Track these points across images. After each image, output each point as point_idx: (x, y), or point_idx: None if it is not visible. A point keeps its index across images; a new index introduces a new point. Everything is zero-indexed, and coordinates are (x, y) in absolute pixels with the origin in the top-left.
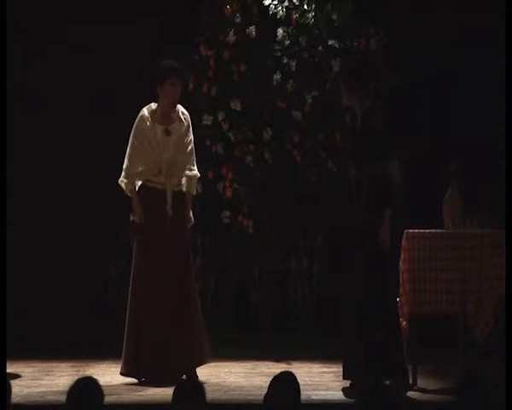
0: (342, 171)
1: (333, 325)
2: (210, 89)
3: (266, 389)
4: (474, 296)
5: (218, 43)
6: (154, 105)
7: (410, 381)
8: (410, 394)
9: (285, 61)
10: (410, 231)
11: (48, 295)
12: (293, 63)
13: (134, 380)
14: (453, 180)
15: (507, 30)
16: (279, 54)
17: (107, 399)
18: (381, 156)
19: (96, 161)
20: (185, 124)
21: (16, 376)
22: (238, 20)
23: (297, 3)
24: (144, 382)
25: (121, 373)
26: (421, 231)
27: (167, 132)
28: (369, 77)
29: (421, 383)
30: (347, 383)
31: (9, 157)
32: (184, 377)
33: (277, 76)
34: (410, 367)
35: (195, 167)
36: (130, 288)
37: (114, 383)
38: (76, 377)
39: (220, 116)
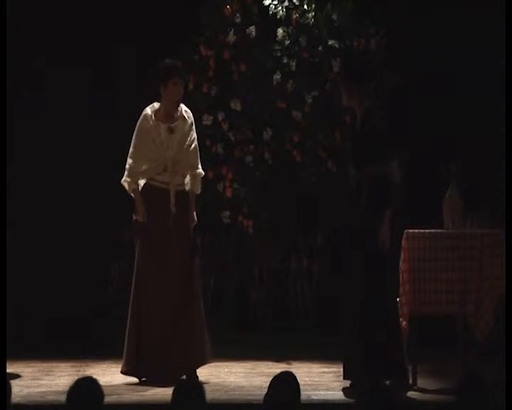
0: (342, 171)
1: (333, 325)
2: (210, 89)
3: (266, 389)
4: (474, 296)
5: (218, 43)
6: (157, 104)
7: (410, 381)
8: (410, 394)
9: (285, 61)
10: (410, 231)
11: (48, 295)
12: (293, 63)
13: (134, 380)
14: (453, 180)
15: (507, 30)
16: (279, 54)
17: (107, 399)
18: (380, 156)
19: (95, 161)
20: (189, 122)
21: (16, 376)
22: (238, 20)
23: (297, 3)
24: (145, 382)
25: (122, 372)
26: (421, 231)
27: (171, 131)
28: (368, 77)
29: (421, 383)
30: (347, 383)
31: (9, 157)
32: (184, 377)
33: (277, 76)
34: (410, 367)
35: (200, 166)
36: (132, 287)
37: (114, 383)
38: (76, 377)
39: (220, 116)
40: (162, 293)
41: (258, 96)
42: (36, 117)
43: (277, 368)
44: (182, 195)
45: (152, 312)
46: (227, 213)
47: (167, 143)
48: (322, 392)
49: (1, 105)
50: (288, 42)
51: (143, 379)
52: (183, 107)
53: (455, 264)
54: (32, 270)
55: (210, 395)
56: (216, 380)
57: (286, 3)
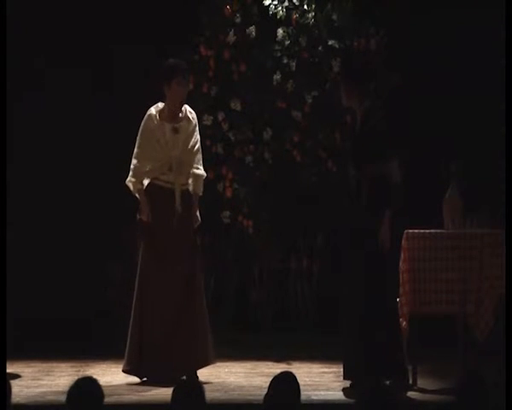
0: (342, 171)
1: (333, 325)
2: (210, 89)
3: (266, 389)
4: (474, 296)
5: (218, 43)
6: (161, 104)
7: (410, 381)
8: (410, 394)
9: (285, 61)
10: (410, 231)
11: (48, 295)
12: (293, 63)
13: (134, 380)
14: (453, 180)
15: (507, 30)
16: (279, 54)
17: (108, 399)
18: (380, 156)
19: (95, 161)
20: (193, 123)
21: (16, 376)
22: (238, 20)
23: (297, 3)
24: (145, 381)
25: (124, 371)
26: (421, 231)
27: (176, 131)
28: (368, 77)
29: (421, 383)
30: (347, 384)
31: (9, 157)
32: (184, 377)
33: (277, 76)
34: (410, 367)
35: (202, 167)
36: (135, 286)
37: (115, 383)
38: (76, 377)
39: (220, 116)
40: (165, 293)
41: (258, 96)
42: (36, 117)
43: (277, 368)
44: (186, 194)
45: (155, 312)
46: (227, 213)
47: (172, 142)
48: (322, 392)
49: (1, 105)
50: (287, 42)
51: (144, 379)
52: (187, 108)
53: (455, 264)
54: (32, 270)
55: (210, 395)
56: (216, 380)
57: (286, 3)
